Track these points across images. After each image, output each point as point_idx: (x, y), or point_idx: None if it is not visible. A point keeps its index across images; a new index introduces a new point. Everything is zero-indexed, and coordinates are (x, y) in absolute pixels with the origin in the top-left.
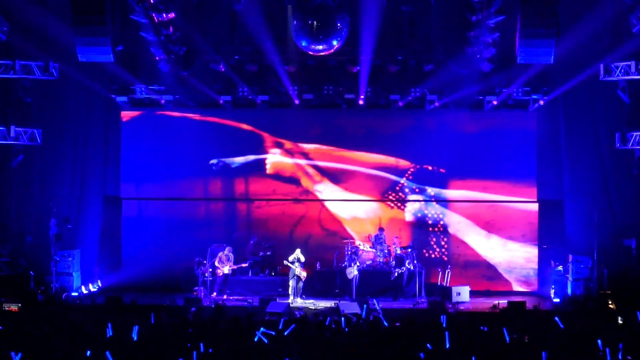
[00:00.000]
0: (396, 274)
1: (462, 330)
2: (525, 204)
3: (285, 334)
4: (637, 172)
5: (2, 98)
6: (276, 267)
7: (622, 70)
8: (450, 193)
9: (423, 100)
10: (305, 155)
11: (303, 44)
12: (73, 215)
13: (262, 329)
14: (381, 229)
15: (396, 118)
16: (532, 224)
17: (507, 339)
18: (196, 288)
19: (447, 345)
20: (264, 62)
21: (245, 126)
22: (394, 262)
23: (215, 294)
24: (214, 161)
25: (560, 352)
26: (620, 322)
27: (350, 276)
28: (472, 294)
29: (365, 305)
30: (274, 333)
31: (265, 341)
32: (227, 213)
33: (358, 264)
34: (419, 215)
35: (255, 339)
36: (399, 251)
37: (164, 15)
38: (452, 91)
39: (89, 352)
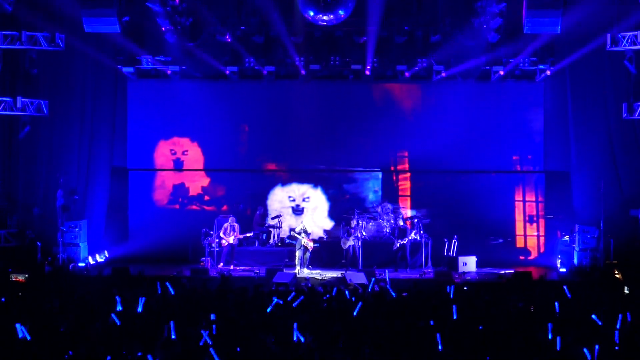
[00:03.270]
0: (398, 245)
1: (468, 300)
2: (532, 174)
3: (292, 304)
4: None
5: (8, 69)
6: (283, 238)
7: (629, 40)
8: (456, 162)
9: (430, 71)
10: None
11: (310, 15)
12: (80, 186)
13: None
14: (387, 200)
15: (403, 89)
16: (539, 194)
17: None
18: (203, 259)
19: (455, 316)
20: (271, 33)
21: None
22: (396, 233)
23: (222, 264)
24: None
25: (566, 322)
26: (626, 292)
27: (345, 246)
28: (479, 264)
29: (372, 277)
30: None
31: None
32: (234, 183)
33: (363, 233)
34: (425, 185)
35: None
36: (402, 223)
37: None
38: (458, 62)
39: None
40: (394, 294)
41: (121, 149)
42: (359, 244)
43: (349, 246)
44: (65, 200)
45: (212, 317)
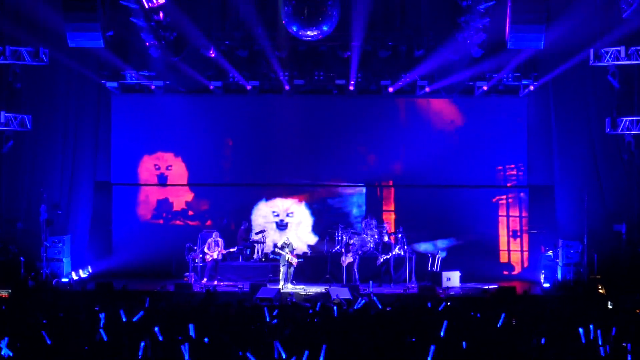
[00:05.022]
0: (382, 260)
1: (452, 315)
2: (515, 188)
3: (275, 319)
4: (627, 157)
5: None
6: (267, 253)
7: (612, 56)
8: (440, 177)
9: (414, 86)
10: None
11: (294, 30)
12: (63, 201)
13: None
14: (371, 215)
15: (387, 103)
16: (523, 209)
17: (500, 323)
18: (187, 274)
19: (442, 332)
20: (255, 47)
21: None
22: (380, 248)
23: (205, 279)
24: None
25: (550, 337)
26: (610, 306)
27: (344, 264)
28: (463, 278)
29: (359, 297)
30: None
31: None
32: (218, 198)
33: (358, 252)
34: (409, 200)
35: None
36: (386, 238)
37: (154, 0)
38: (442, 77)
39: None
40: (380, 306)
41: (105, 163)
42: (357, 261)
43: (348, 263)
44: (48, 215)
45: (192, 333)
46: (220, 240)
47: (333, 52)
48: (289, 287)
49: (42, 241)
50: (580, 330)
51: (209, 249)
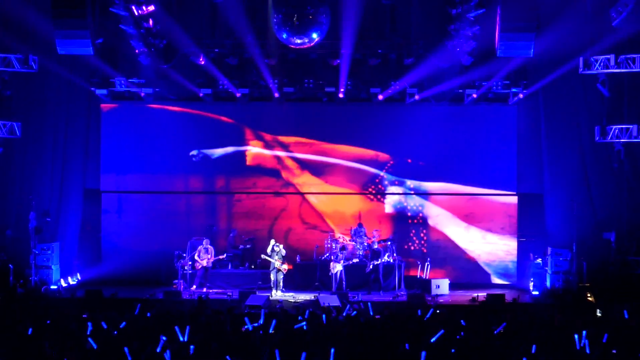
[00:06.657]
0: (371, 267)
1: (442, 323)
2: (505, 196)
3: (264, 326)
4: (616, 165)
5: None
6: (256, 261)
7: (602, 64)
8: (430, 185)
9: (403, 94)
10: (285, 147)
11: (284, 37)
12: (53, 208)
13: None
14: (360, 223)
15: (376, 111)
16: (512, 216)
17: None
18: (176, 281)
19: (432, 340)
20: (245, 55)
21: (225, 119)
22: (370, 256)
23: (195, 287)
24: (194, 152)
25: (539, 345)
26: (598, 314)
27: (333, 271)
28: (452, 286)
29: (345, 300)
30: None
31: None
32: (207, 206)
33: (347, 261)
34: (399, 207)
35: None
36: (376, 245)
37: (144, 8)
38: (432, 85)
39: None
40: (371, 312)
41: (94, 170)
42: (344, 269)
43: (337, 271)
44: (37, 222)
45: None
46: (210, 247)
47: (323, 59)
48: (278, 295)
49: (31, 248)
50: (576, 336)
51: (198, 256)
